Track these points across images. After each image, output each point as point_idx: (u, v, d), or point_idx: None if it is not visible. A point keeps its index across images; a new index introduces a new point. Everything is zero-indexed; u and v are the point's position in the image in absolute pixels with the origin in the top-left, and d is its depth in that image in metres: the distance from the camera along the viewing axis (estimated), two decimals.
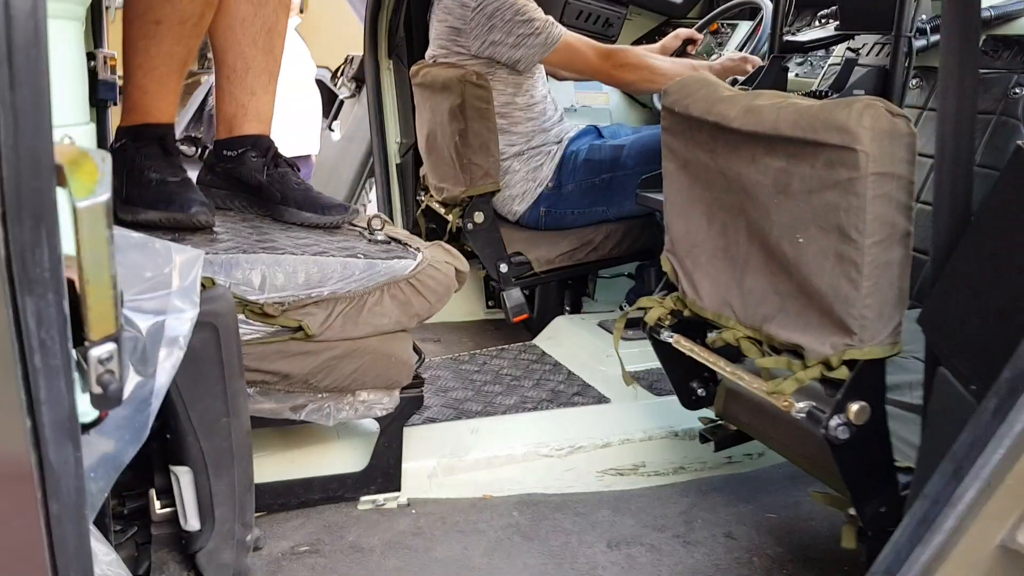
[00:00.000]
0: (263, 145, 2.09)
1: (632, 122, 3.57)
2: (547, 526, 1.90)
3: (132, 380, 0.90)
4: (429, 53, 2.87)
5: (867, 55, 2.38)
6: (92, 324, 0.57)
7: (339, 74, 4.08)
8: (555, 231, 2.84)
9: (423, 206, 3.03)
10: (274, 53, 2.09)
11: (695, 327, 1.66)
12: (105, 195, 0.53)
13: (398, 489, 1.94)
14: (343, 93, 4.06)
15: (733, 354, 1.54)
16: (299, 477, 1.87)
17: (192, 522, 1.59)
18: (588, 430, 2.10)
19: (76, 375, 0.60)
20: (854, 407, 1.28)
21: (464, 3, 2.65)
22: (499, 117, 2.71)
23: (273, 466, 1.85)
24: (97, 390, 0.59)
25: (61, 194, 0.54)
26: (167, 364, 0.91)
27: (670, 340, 1.65)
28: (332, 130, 4.19)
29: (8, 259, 0.51)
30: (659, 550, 1.84)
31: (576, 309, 3.09)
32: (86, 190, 0.53)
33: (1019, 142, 1.03)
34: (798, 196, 1.30)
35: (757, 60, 2.68)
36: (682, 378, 1.77)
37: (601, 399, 2.24)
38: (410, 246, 1.92)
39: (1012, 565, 1.07)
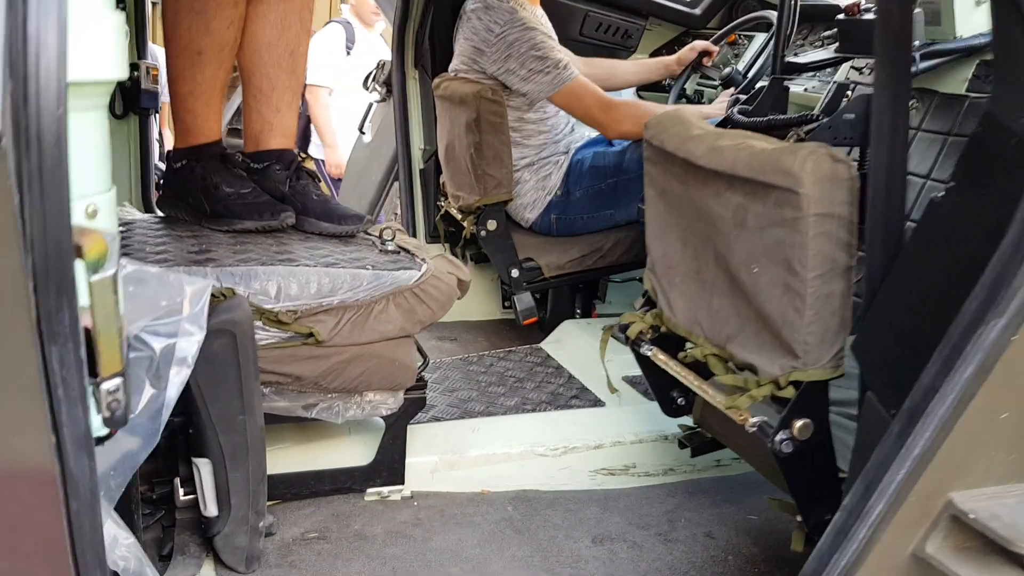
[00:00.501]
0: (287, 158, 2.27)
1: None
2: (538, 521, 2.05)
3: (147, 393, 1.07)
4: (452, 66, 3.01)
5: (870, 75, 2.47)
6: (103, 364, 0.73)
7: (371, 79, 4.24)
8: (566, 237, 2.97)
9: (442, 211, 3.18)
10: (297, 73, 2.27)
11: (672, 341, 1.79)
12: (112, 269, 0.69)
13: (402, 482, 2.10)
14: (374, 97, 4.21)
15: (703, 369, 1.67)
16: (311, 469, 2.04)
17: (211, 509, 1.77)
18: (582, 432, 2.24)
19: (91, 402, 0.77)
20: (798, 423, 1.41)
21: (490, 28, 2.78)
22: (512, 131, 2.85)
23: (288, 459, 2.02)
24: (107, 414, 0.75)
25: (80, 264, 0.70)
26: (177, 380, 1.07)
27: (649, 353, 1.78)
28: (363, 132, 4.35)
29: (38, 319, 0.67)
30: (640, 547, 1.98)
31: (587, 312, 3.23)
32: (97, 266, 0.69)
33: (933, 195, 1.15)
34: (753, 230, 1.42)
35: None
36: (663, 387, 1.90)
37: (597, 402, 2.39)
38: (417, 256, 2.07)
39: (923, 574, 1.20)
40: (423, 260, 2.04)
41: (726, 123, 2.40)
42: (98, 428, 0.80)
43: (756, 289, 1.45)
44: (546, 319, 3.16)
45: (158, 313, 1.09)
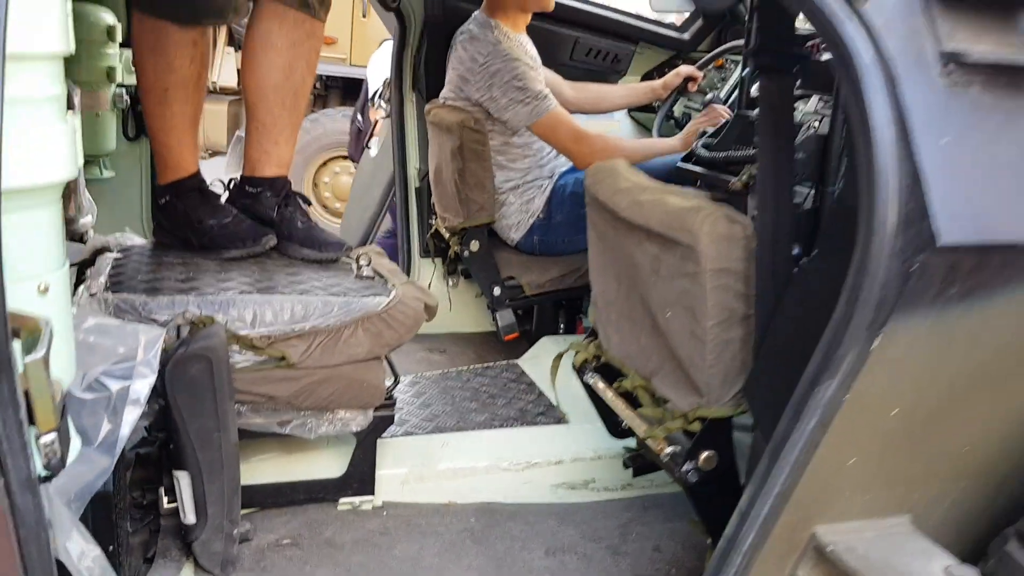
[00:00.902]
0: (278, 186, 2.44)
1: None
2: (498, 532, 2.21)
3: (105, 427, 1.24)
4: (443, 93, 3.16)
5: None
6: (39, 423, 0.90)
7: (378, 96, 4.42)
8: (548, 257, 3.12)
9: (433, 229, 3.35)
10: (298, 110, 2.43)
11: (613, 370, 1.93)
12: (43, 351, 0.86)
13: (373, 493, 2.26)
14: (380, 114, 4.39)
15: (635, 398, 1.82)
16: (288, 480, 2.21)
17: (190, 517, 1.95)
18: (545, 448, 2.39)
19: (34, 450, 0.94)
20: (703, 455, 1.55)
21: (474, 57, 2.93)
22: (498, 155, 3.01)
23: (266, 470, 2.20)
24: (44, 462, 0.92)
25: (17, 343, 0.87)
26: (130, 417, 1.24)
27: (590, 382, 1.93)
28: (369, 147, 4.53)
29: None
30: (590, 559, 2.12)
31: (571, 327, 3.38)
32: (31, 347, 0.85)
33: (803, 260, 1.28)
34: (666, 279, 1.56)
35: (721, 110, 2.90)
36: (607, 411, 2.04)
37: (561, 420, 2.53)
38: (388, 282, 2.23)
39: None
40: (393, 287, 2.20)
41: (690, 156, 2.53)
42: (43, 470, 0.96)
43: (670, 332, 1.59)
44: (532, 331, 3.32)
45: (117, 359, 1.26)
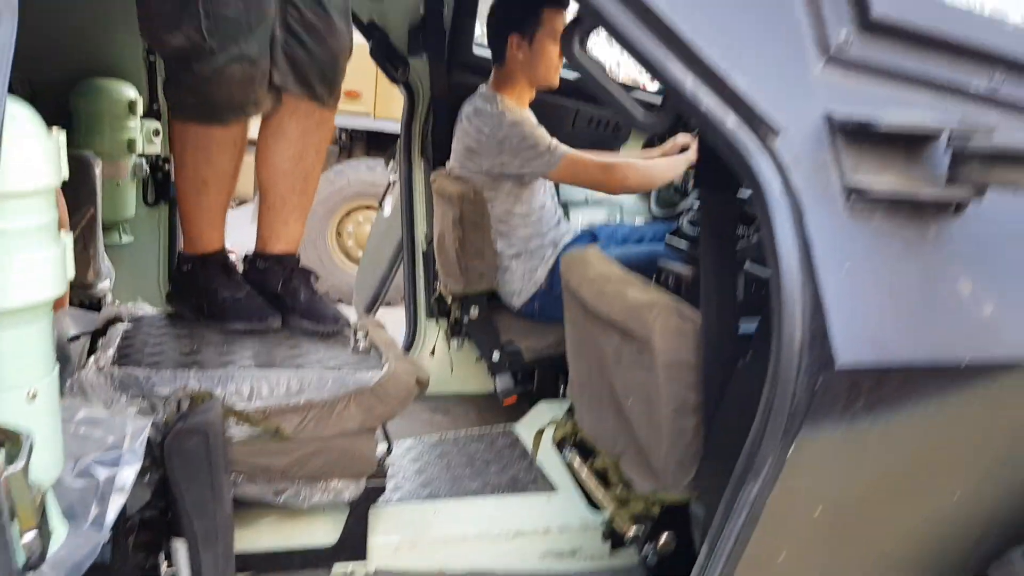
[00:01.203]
0: (286, 263, 2.58)
1: (639, 214, 3.91)
2: None
3: (93, 511, 1.35)
4: (449, 163, 3.30)
5: None
6: (21, 522, 1.01)
7: (392, 158, 4.58)
8: (547, 323, 3.21)
9: (437, 293, 3.47)
10: (308, 193, 2.57)
11: (590, 448, 2.02)
12: (23, 462, 0.97)
13: (365, 558, 2.34)
14: (392, 176, 4.54)
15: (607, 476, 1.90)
16: (281, 547, 2.30)
17: None
18: (534, 516, 2.46)
19: (16, 546, 1.04)
20: (662, 538, 1.62)
21: (480, 129, 3.07)
22: (500, 223, 3.13)
23: (260, 537, 2.29)
24: (24, 558, 1.03)
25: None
26: (116, 503, 1.35)
27: (567, 459, 2.01)
28: (382, 207, 4.67)
29: None
30: None
31: None
32: (12, 457, 0.97)
33: (742, 360, 1.36)
34: (627, 368, 1.65)
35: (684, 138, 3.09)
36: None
37: (551, 488, 2.61)
38: (383, 356, 2.34)
39: None
40: (387, 361, 2.31)
41: (677, 232, 2.63)
42: (24, 562, 1.07)
43: (632, 418, 1.67)
44: (533, 393, 3.41)
45: (105, 447, 1.37)
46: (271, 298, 2.54)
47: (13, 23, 1.04)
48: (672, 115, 1.45)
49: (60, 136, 1.18)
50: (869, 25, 1.15)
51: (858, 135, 1.10)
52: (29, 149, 1.09)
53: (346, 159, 7.70)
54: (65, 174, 1.19)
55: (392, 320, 3.89)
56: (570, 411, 2.08)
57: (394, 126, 3.80)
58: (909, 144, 1.12)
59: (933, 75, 1.17)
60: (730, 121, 1.11)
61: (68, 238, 1.21)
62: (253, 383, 2.14)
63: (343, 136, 7.74)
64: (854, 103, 1.13)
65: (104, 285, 3.13)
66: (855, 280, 1.08)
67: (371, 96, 7.36)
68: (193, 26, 2.09)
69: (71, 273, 1.24)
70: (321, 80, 2.35)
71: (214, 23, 2.10)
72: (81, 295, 3.01)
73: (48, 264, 1.13)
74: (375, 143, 7.63)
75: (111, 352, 2.16)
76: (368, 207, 6.55)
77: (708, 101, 1.12)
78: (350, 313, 2.62)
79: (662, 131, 3.45)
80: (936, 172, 1.12)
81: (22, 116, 1.10)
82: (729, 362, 1.45)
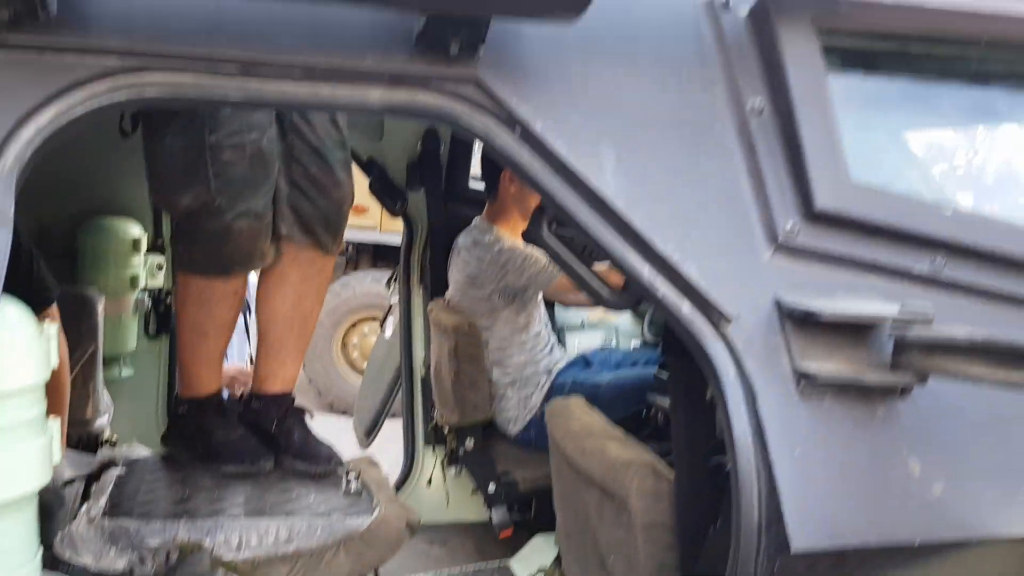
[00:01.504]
0: (281, 402, 2.61)
1: (634, 336, 3.96)
2: None
3: None
4: (447, 293, 3.38)
5: None
6: None
7: (393, 280, 4.67)
8: (544, 452, 3.22)
9: (434, 422, 3.49)
10: (305, 335, 2.63)
11: None
12: None
13: None
14: (393, 299, 4.62)
15: None
16: None
17: None
18: None
19: None
20: None
21: (480, 258, 3.17)
22: (497, 351, 3.19)
23: None
24: None
25: None
26: None
27: None
28: (383, 329, 4.73)
29: None
30: None
31: None
32: None
33: (712, 529, 1.39)
34: (607, 525, 1.67)
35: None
36: None
37: None
38: (374, 498, 2.35)
39: None
40: (377, 504, 2.32)
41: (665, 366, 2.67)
42: None
43: (614, 574, 1.68)
44: (532, 522, 3.38)
45: None
46: (265, 438, 2.57)
47: (8, 234, 1.12)
48: (636, 295, 1.52)
49: (51, 328, 1.24)
50: (814, 216, 1.22)
51: (805, 322, 1.15)
52: (20, 348, 1.15)
53: (352, 271, 7.85)
54: (55, 363, 1.25)
55: (395, 435, 3.90)
56: (557, 559, 2.08)
57: (400, 239, 3.92)
58: (854, 331, 1.17)
59: (878, 259, 1.24)
60: (685, 308, 1.17)
61: (55, 423, 1.26)
62: (242, 533, 2.15)
63: (350, 248, 7.90)
64: (803, 289, 1.19)
65: (102, 421, 3.16)
66: (808, 463, 1.12)
67: (377, 210, 7.54)
68: (203, 187, 2.19)
69: (57, 458, 1.28)
70: (325, 228, 2.44)
71: (223, 183, 2.21)
72: (80, 431, 3.04)
73: (34, 455, 1.18)
74: (381, 255, 7.78)
75: (103, 501, 2.18)
76: (374, 318, 6.63)
77: (664, 289, 1.18)
78: (348, 440, 2.64)
79: (626, 309, 3.52)
80: (881, 357, 1.17)
81: (14, 316, 1.16)
82: (703, 524, 1.47)
